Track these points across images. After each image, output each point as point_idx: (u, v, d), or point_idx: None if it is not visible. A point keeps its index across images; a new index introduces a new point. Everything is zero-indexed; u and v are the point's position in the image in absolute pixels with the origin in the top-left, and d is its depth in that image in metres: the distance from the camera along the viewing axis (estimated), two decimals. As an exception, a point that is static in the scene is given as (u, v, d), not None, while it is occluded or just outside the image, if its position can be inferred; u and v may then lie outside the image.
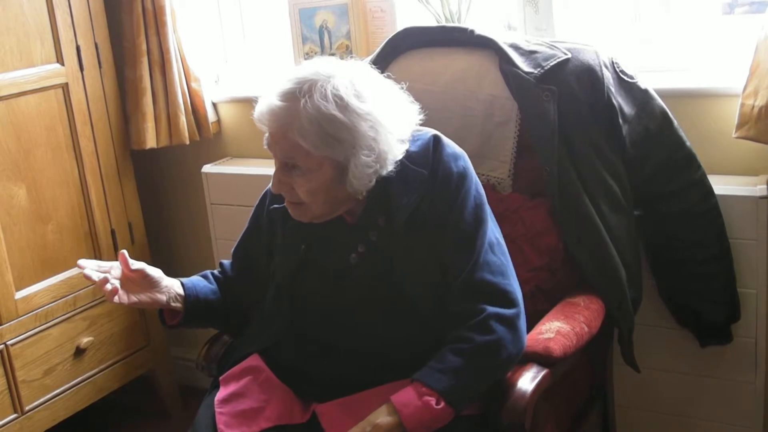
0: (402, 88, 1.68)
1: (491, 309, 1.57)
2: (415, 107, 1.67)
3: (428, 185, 1.65)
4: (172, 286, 1.80)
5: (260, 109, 1.60)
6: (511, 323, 1.58)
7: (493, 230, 1.69)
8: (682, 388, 2.23)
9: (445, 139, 1.71)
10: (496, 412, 1.56)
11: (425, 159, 1.67)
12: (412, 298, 1.64)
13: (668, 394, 2.25)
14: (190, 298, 1.81)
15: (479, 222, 1.65)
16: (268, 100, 1.58)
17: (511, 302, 1.61)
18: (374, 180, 1.61)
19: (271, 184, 1.67)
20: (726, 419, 2.19)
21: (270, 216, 1.81)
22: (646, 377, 2.16)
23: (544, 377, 1.61)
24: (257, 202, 1.90)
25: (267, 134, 1.62)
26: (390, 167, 1.62)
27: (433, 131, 1.72)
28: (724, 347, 2.12)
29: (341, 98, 1.54)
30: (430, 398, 1.50)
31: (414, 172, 1.65)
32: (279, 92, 1.57)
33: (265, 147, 1.64)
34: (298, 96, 1.54)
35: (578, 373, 1.97)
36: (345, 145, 1.55)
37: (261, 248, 1.85)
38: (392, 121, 1.60)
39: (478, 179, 1.71)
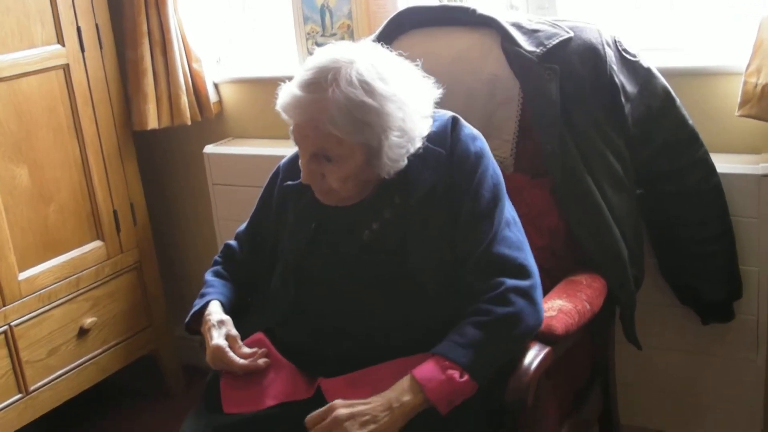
0: (417, 65, 1.69)
1: (510, 282, 1.59)
2: (431, 82, 1.69)
3: (446, 165, 1.67)
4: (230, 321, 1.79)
5: (284, 101, 1.60)
6: (529, 295, 1.60)
7: (509, 209, 1.71)
8: (683, 366, 2.24)
9: (463, 121, 1.73)
10: (498, 389, 1.56)
11: (443, 139, 1.68)
12: (421, 276, 1.64)
13: (670, 372, 2.26)
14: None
15: (497, 199, 1.67)
16: (292, 91, 1.58)
17: (528, 275, 1.62)
18: (406, 159, 1.63)
19: (302, 176, 1.65)
20: (727, 396, 2.20)
21: (282, 192, 1.82)
22: (647, 355, 2.16)
23: (546, 355, 1.61)
24: (267, 181, 1.90)
25: (292, 126, 1.62)
26: (418, 144, 1.64)
27: (451, 113, 1.74)
28: (726, 325, 2.13)
29: (367, 83, 1.55)
30: (453, 372, 1.51)
31: (432, 151, 1.67)
32: (302, 83, 1.57)
33: (292, 140, 1.64)
34: (324, 86, 1.54)
35: (580, 351, 1.98)
36: (376, 129, 1.56)
37: (270, 227, 1.85)
38: (415, 98, 1.62)
39: (494, 160, 1.72)
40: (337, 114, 1.53)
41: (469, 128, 1.73)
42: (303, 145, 1.62)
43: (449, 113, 1.74)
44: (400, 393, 1.52)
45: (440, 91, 1.70)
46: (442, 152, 1.67)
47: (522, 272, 1.62)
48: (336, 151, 1.58)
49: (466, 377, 1.51)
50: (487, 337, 1.55)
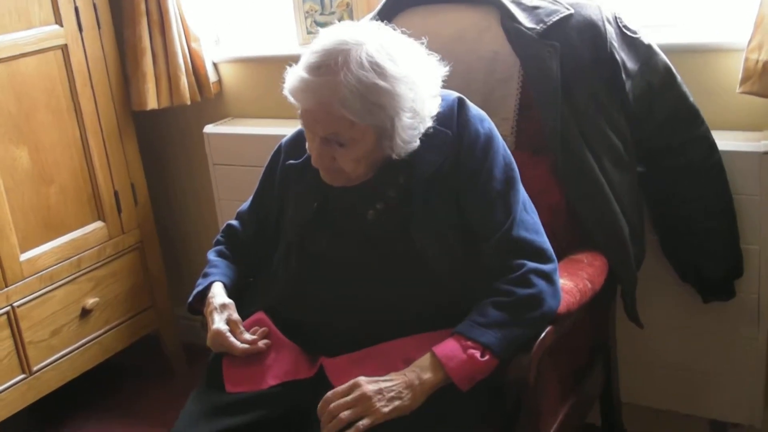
0: (422, 43, 1.67)
1: (531, 264, 1.59)
2: (436, 59, 1.67)
3: (453, 146, 1.66)
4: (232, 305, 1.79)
5: (293, 85, 1.58)
6: (549, 278, 1.61)
7: (522, 190, 1.71)
8: (684, 344, 2.24)
9: (469, 102, 1.72)
10: (499, 368, 1.57)
11: (450, 119, 1.68)
12: (426, 256, 1.64)
13: (671, 350, 2.26)
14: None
15: (511, 181, 1.67)
16: (300, 75, 1.56)
17: (547, 258, 1.63)
18: (418, 140, 1.62)
19: (312, 159, 1.64)
20: (728, 374, 2.20)
21: (285, 171, 1.81)
22: (648, 333, 2.16)
23: (547, 333, 1.61)
24: (269, 160, 1.89)
25: (301, 110, 1.60)
26: (429, 123, 1.64)
27: (456, 93, 1.73)
28: (727, 303, 2.12)
29: (378, 65, 1.53)
30: (474, 351, 1.52)
31: (438, 132, 1.66)
32: (311, 66, 1.55)
33: (302, 124, 1.63)
34: (334, 69, 1.52)
35: (581, 330, 1.98)
36: (388, 111, 1.55)
37: (273, 207, 1.85)
38: (424, 78, 1.61)
39: (503, 140, 1.72)
40: (349, 97, 1.52)
41: (475, 109, 1.72)
42: (313, 129, 1.60)
43: (454, 94, 1.73)
44: (420, 371, 1.53)
45: (446, 69, 1.68)
46: (449, 133, 1.67)
47: (542, 256, 1.63)
48: (348, 134, 1.57)
49: (487, 356, 1.52)
50: (509, 318, 1.55)
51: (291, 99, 1.61)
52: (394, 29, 1.66)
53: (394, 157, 1.63)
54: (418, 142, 1.63)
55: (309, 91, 1.55)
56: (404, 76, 1.56)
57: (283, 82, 1.62)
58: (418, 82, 1.59)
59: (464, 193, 1.66)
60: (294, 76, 1.58)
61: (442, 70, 1.67)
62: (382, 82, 1.53)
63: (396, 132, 1.58)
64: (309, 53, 1.58)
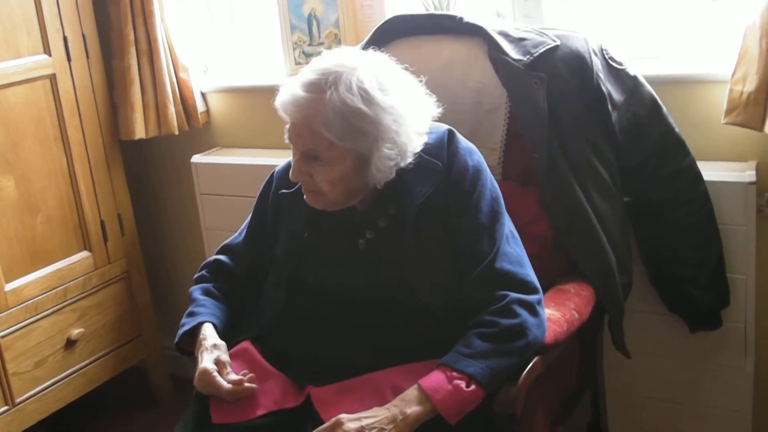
0: (421, 81, 1.69)
1: (513, 294, 1.60)
2: (432, 99, 1.70)
3: (442, 177, 1.68)
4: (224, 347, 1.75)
5: (283, 98, 1.61)
6: (532, 308, 1.61)
7: (508, 223, 1.72)
8: (672, 374, 2.24)
9: (458, 134, 1.75)
10: (486, 401, 1.56)
11: (440, 151, 1.70)
12: (416, 286, 1.65)
13: (658, 380, 2.26)
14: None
15: (497, 214, 1.68)
16: (292, 90, 1.60)
17: (531, 290, 1.63)
18: (395, 172, 1.64)
19: (290, 173, 1.66)
20: (716, 404, 2.20)
21: (278, 201, 1.82)
22: (636, 363, 2.16)
23: (534, 365, 1.61)
24: (260, 191, 1.90)
25: (288, 125, 1.62)
26: (409, 159, 1.65)
27: (446, 126, 1.75)
28: (714, 333, 2.13)
29: (366, 91, 1.56)
30: (460, 381, 1.51)
31: (428, 163, 1.68)
32: (303, 83, 1.59)
33: (286, 139, 1.64)
34: (323, 87, 1.55)
35: (568, 360, 1.98)
36: (369, 138, 1.57)
37: (266, 238, 1.85)
38: (413, 114, 1.63)
39: (491, 174, 1.74)
40: (331, 117, 1.54)
41: (465, 142, 1.74)
42: (295, 143, 1.62)
43: (444, 126, 1.75)
44: (405, 404, 1.51)
45: (440, 110, 1.70)
46: (439, 164, 1.69)
47: (525, 287, 1.63)
48: (326, 153, 1.59)
49: (473, 387, 1.51)
50: (494, 348, 1.55)
51: (280, 112, 1.63)
52: (397, 63, 1.68)
53: (374, 186, 1.64)
54: (393, 174, 1.64)
55: (295, 105, 1.58)
56: (391, 107, 1.58)
57: (272, 112, 1.63)
58: (406, 116, 1.61)
59: (452, 226, 1.66)
60: (287, 89, 1.61)
61: (434, 110, 1.69)
62: (366, 109, 1.55)
63: (372, 160, 1.59)
64: (306, 70, 1.61)
